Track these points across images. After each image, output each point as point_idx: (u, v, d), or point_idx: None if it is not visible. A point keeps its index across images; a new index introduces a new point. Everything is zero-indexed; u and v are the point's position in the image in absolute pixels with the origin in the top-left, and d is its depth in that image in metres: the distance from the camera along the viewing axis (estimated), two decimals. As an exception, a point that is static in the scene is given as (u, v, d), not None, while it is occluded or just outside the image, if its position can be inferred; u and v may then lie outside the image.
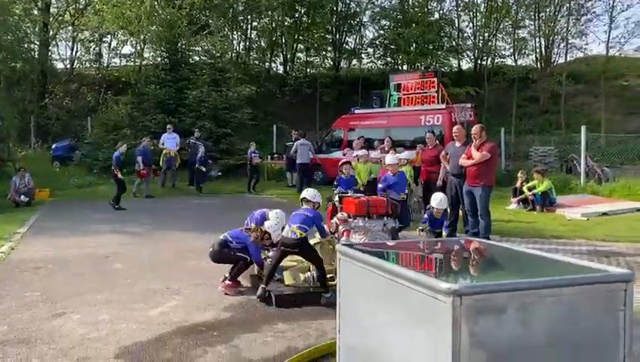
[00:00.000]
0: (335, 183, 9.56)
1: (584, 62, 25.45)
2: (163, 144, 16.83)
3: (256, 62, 30.97)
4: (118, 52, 29.58)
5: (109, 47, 29.96)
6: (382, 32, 28.46)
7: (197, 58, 24.20)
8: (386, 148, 12.53)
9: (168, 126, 17.52)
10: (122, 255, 8.15)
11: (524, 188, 12.34)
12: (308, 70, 29.70)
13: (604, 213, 11.13)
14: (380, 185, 9.13)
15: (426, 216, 8.40)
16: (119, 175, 13.09)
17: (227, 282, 6.13)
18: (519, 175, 12.98)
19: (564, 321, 2.58)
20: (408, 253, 4.01)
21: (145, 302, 5.81)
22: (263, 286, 5.90)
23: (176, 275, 6.90)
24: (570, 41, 24.41)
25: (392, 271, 2.93)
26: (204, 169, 15.87)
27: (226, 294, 6.04)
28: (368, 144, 13.81)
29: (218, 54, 23.27)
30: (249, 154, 16.46)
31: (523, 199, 12.29)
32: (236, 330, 4.96)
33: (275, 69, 31.58)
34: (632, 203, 12.04)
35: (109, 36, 28.63)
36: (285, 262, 6.21)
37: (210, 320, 5.24)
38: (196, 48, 24.15)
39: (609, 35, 22.64)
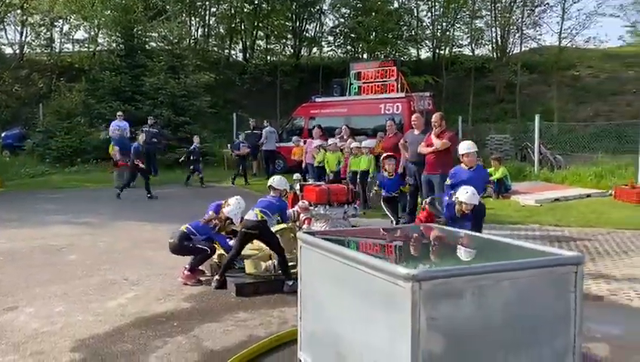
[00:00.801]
0: (377, 182, 8.94)
1: (538, 53, 26.08)
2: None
3: (215, 49, 30.46)
4: (71, 37, 28.50)
5: (61, 31, 28.82)
6: (342, 20, 28.43)
7: (154, 44, 23.59)
8: (345, 137, 12.60)
9: (119, 113, 17.06)
10: (77, 246, 7.94)
11: (481, 176, 12.60)
12: (268, 58, 29.41)
13: (556, 199, 11.50)
14: (448, 182, 6.88)
15: (445, 211, 6.20)
16: (141, 165, 12.80)
17: (186, 273, 6.05)
18: (476, 163, 13.23)
19: (519, 303, 2.67)
20: (369, 239, 4.06)
21: (101, 294, 5.68)
22: (217, 277, 5.87)
23: (134, 266, 6.77)
24: (524, 32, 24.99)
25: (353, 257, 2.96)
26: (201, 160, 15.50)
27: (185, 284, 5.96)
28: (327, 132, 13.86)
29: (175, 40, 22.71)
30: (236, 144, 16.29)
31: (480, 186, 12.56)
32: (196, 320, 4.92)
33: (234, 57, 31.15)
34: (582, 189, 12.46)
35: (60, 20, 27.55)
36: (246, 251, 6.18)
37: (170, 311, 5.17)
38: (153, 34, 23.52)
39: (561, 26, 23.23)
